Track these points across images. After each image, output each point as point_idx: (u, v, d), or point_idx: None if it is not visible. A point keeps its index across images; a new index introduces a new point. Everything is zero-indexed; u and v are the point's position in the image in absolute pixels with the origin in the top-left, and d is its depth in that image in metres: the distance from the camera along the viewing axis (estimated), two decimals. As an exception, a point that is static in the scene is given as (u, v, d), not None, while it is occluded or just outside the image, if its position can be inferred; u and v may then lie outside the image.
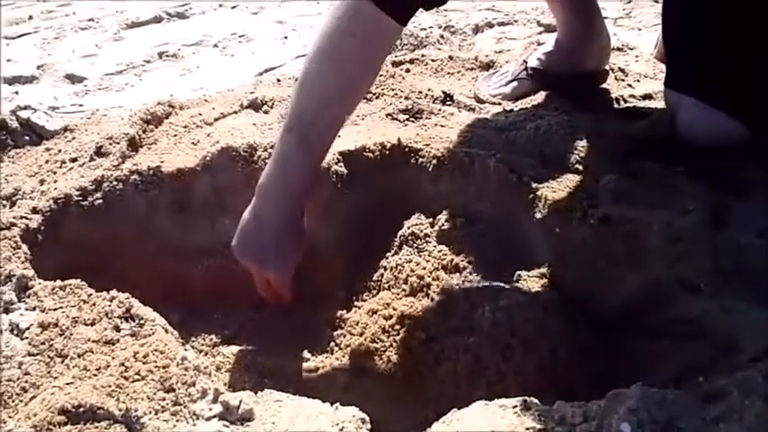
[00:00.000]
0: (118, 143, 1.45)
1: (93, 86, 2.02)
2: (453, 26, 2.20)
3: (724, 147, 1.33)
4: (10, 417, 0.95)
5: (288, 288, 1.27)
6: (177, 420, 0.93)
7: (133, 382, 0.97)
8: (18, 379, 1.00)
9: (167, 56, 2.19)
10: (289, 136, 1.19)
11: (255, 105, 1.58)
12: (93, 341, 1.05)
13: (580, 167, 1.34)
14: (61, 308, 1.11)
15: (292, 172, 1.20)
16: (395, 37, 1.24)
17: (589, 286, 1.20)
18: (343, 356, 1.23)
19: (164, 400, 0.95)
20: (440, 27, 2.20)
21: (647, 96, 1.63)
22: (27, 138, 1.64)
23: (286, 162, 1.19)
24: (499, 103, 1.63)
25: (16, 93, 1.97)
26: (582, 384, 1.05)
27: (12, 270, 1.17)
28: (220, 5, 2.56)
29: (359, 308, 1.31)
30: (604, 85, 1.68)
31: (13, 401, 0.97)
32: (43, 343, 1.05)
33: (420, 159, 1.41)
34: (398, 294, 1.28)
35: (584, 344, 1.14)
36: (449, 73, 1.81)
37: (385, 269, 1.34)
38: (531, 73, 1.67)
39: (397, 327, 1.22)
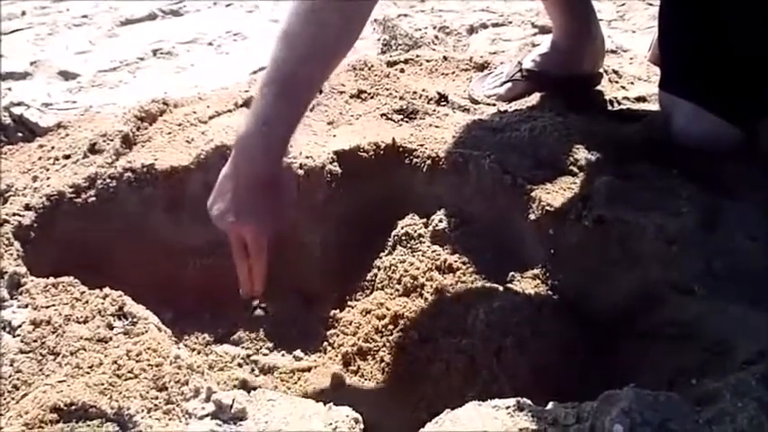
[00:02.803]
0: (112, 140, 1.45)
1: (87, 83, 2.01)
2: (448, 27, 2.20)
3: (717, 149, 1.33)
4: (1, 415, 0.95)
5: (263, 257, 1.18)
6: (170, 419, 0.93)
7: (126, 380, 0.97)
8: (10, 377, 1.00)
9: (161, 53, 2.18)
10: (267, 90, 1.15)
11: (250, 104, 1.57)
12: (86, 339, 1.04)
13: (574, 169, 1.34)
14: (54, 305, 1.11)
15: (271, 126, 1.15)
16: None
17: (583, 288, 1.20)
18: (337, 356, 1.23)
19: (156, 398, 0.95)
20: (434, 28, 2.19)
21: (640, 99, 1.63)
22: (20, 134, 1.62)
23: (264, 116, 1.15)
24: (494, 104, 1.63)
25: (9, 89, 1.96)
26: (575, 386, 1.05)
27: (4, 267, 1.16)
28: (215, 3, 2.54)
29: (352, 308, 1.31)
30: (598, 87, 1.68)
31: (5, 399, 0.97)
32: (35, 340, 1.04)
33: (414, 160, 1.41)
34: (392, 294, 1.28)
35: (578, 345, 1.15)
36: (443, 74, 1.81)
37: (378, 269, 1.34)
38: (526, 74, 1.67)
39: (391, 327, 1.23)
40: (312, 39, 1.15)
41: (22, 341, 1.04)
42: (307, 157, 1.37)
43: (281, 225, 1.21)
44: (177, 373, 0.98)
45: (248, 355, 1.25)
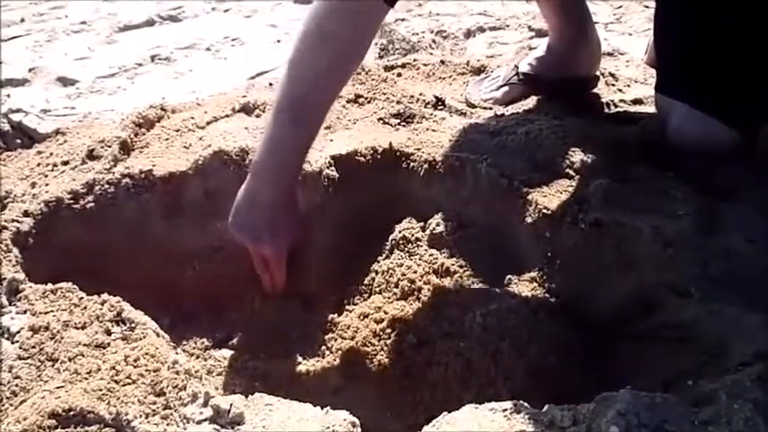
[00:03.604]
0: (110, 146, 1.45)
1: (86, 89, 2.01)
2: (445, 31, 2.21)
3: (714, 151, 1.34)
4: (0, 421, 0.95)
5: (283, 268, 1.27)
6: (168, 424, 0.93)
7: (124, 385, 0.97)
8: (8, 383, 1.00)
9: (160, 59, 2.18)
10: (281, 114, 1.19)
11: (248, 109, 1.58)
12: (84, 345, 1.04)
13: (571, 172, 1.34)
14: (52, 311, 1.11)
15: (284, 150, 1.20)
16: (384, 16, 1.24)
17: (579, 290, 1.21)
18: (335, 360, 1.23)
19: (154, 403, 0.95)
20: (432, 32, 2.20)
21: (637, 101, 1.64)
22: (19, 141, 1.63)
23: (278, 140, 1.20)
24: (490, 108, 1.64)
25: (8, 95, 1.96)
26: (572, 388, 1.05)
27: (2, 273, 1.17)
28: (213, 9, 2.55)
29: (350, 311, 1.31)
30: (595, 90, 1.69)
31: (3, 405, 0.97)
32: (34, 346, 1.05)
33: (411, 164, 1.41)
34: (390, 298, 1.28)
35: (574, 348, 1.15)
36: (440, 77, 1.82)
37: (376, 273, 1.34)
38: (523, 78, 1.68)
39: (388, 330, 1.23)
40: (323, 60, 1.19)
41: (20, 347, 1.05)
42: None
43: (296, 237, 1.28)
44: (175, 379, 0.98)
45: (246, 360, 1.25)
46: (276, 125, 1.20)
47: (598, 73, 1.71)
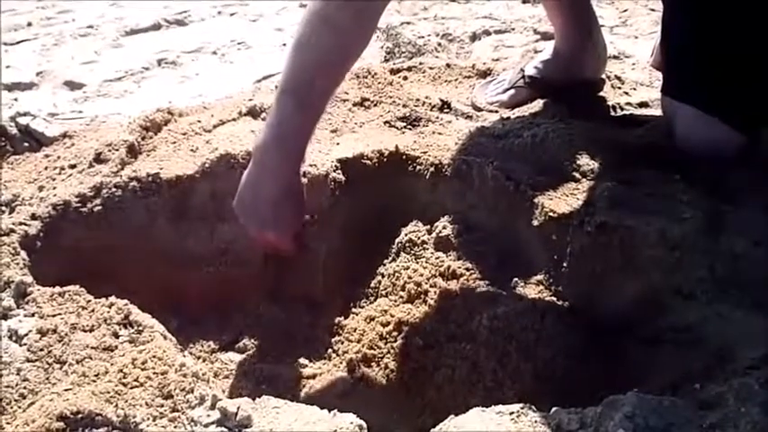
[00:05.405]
0: (117, 150, 1.46)
1: (93, 93, 2.02)
2: (451, 34, 2.21)
3: (720, 154, 1.33)
4: (8, 423, 0.95)
5: (290, 245, 1.27)
6: (175, 427, 0.93)
7: (131, 388, 0.97)
8: (17, 385, 1.00)
9: (166, 63, 2.19)
10: (285, 99, 1.19)
11: (254, 112, 1.59)
12: (92, 347, 1.05)
13: (577, 175, 1.34)
14: (60, 314, 1.11)
15: (289, 136, 1.20)
16: (387, 3, 1.23)
17: (586, 293, 1.21)
18: (341, 363, 1.23)
19: (162, 406, 0.96)
20: (437, 35, 2.21)
21: (643, 104, 1.63)
22: (26, 144, 1.63)
23: (282, 125, 1.19)
24: (496, 111, 1.64)
25: (15, 99, 1.98)
26: (579, 391, 1.05)
27: (11, 276, 1.17)
28: (219, 13, 2.56)
29: (356, 315, 1.31)
30: (601, 93, 1.68)
31: (12, 408, 0.98)
32: (42, 349, 1.05)
33: (417, 167, 1.41)
34: (396, 301, 1.28)
35: (581, 351, 1.15)
36: (446, 81, 1.82)
37: (382, 276, 1.34)
38: (529, 81, 1.67)
39: (395, 334, 1.23)
40: (327, 46, 1.18)
41: (28, 350, 1.05)
42: (311, 165, 1.38)
43: (300, 222, 1.28)
44: (183, 381, 0.98)
45: (253, 363, 1.25)
46: (280, 110, 1.19)
47: (604, 76, 1.71)
